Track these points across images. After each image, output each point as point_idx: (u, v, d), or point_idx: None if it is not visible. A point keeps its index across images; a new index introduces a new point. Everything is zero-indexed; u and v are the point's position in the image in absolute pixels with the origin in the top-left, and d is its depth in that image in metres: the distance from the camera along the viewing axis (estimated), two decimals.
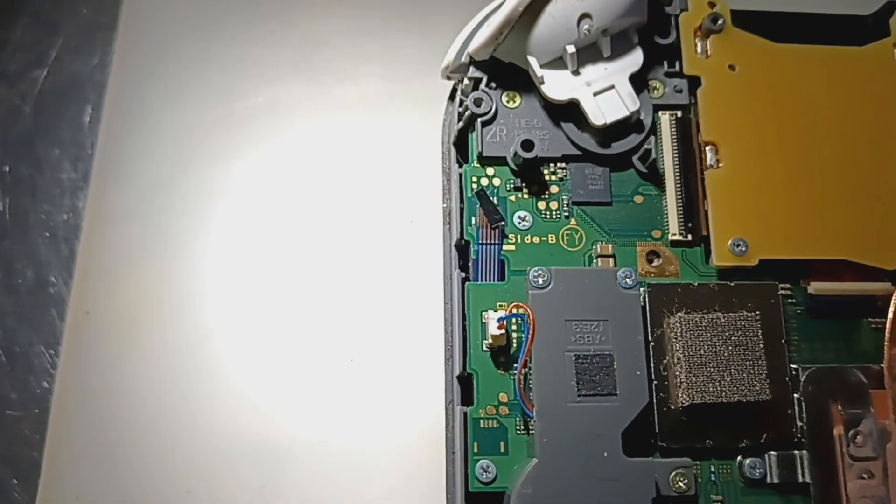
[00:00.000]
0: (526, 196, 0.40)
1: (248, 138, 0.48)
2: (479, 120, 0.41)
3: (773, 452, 0.37)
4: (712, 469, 0.37)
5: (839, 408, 0.38)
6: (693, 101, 0.41)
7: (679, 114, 0.42)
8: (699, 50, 0.42)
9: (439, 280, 0.41)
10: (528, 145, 0.39)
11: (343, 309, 0.45)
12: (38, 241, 0.48)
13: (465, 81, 0.41)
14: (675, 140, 0.41)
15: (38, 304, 0.47)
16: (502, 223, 0.39)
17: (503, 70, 0.41)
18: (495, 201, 0.40)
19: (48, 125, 0.50)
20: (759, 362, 0.37)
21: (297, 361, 0.44)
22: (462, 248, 0.40)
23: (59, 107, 0.50)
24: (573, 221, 0.40)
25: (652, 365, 0.37)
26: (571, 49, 0.39)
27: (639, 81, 0.41)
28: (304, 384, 0.44)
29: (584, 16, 0.39)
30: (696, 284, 0.39)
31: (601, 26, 0.39)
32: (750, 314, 0.38)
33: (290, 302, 0.45)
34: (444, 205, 0.41)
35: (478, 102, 0.40)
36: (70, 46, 0.52)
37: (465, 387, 0.38)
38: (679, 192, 0.40)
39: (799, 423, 0.38)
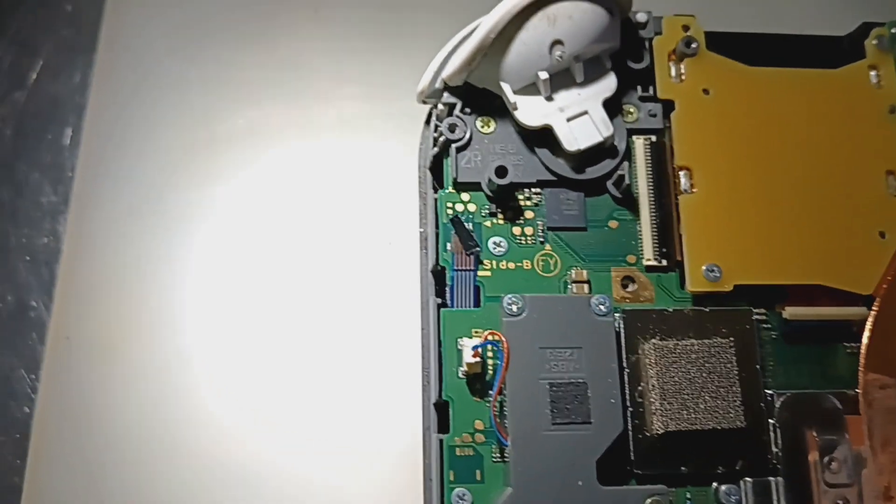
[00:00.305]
0: (501, 221, 0.40)
1: (229, 161, 0.48)
2: (454, 146, 0.41)
3: (748, 479, 0.37)
4: (688, 496, 0.37)
5: (814, 434, 0.38)
6: (667, 126, 0.41)
7: (653, 138, 0.42)
8: (673, 74, 0.42)
9: (417, 305, 0.41)
10: (501, 171, 0.39)
11: (322, 333, 0.45)
12: (18, 264, 0.48)
13: (440, 107, 0.41)
14: (649, 165, 0.41)
15: (18, 328, 0.47)
16: (477, 249, 0.39)
17: (477, 95, 0.41)
18: (470, 227, 0.40)
19: (28, 148, 0.50)
20: (734, 389, 0.37)
21: (276, 387, 0.44)
22: (438, 274, 0.40)
23: (40, 129, 0.50)
24: (548, 247, 0.40)
25: (627, 392, 0.37)
26: (544, 75, 0.39)
27: (613, 106, 0.41)
28: (283, 410, 0.44)
29: (557, 42, 0.39)
30: (670, 310, 0.39)
31: (573, 52, 0.39)
32: (724, 340, 0.38)
33: (268, 326, 0.45)
34: (422, 229, 0.41)
35: (452, 128, 0.40)
36: (50, 68, 0.52)
37: (441, 414, 0.38)
38: (653, 217, 0.40)
39: (774, 450, 0.38)
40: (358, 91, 0.49)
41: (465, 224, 0.39)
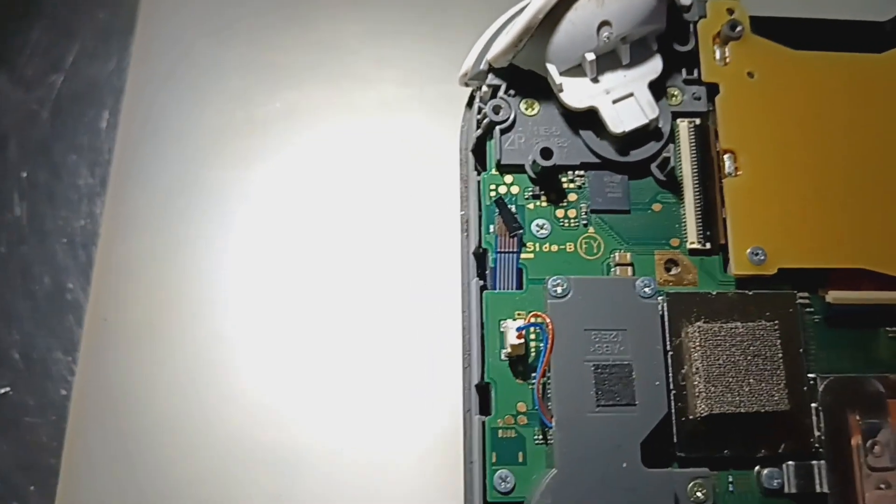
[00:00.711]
0: (544, 204, 0.40)
1: (267, 143, 0.48)
2: (498, 127, 0.40)
3: (790, 462, 0.37)
4: (730, 479, 0.37)
5: (857, 418, 0.38)
6: (711, 109, 0.41)
7: (698, 121, 0.41)
8: (718, 57, 0.42)
9: (457, 288, 0.41)
10: (546, 153, 0.39)
11: (361, 315, 0.45)
12: (55, 246, 0.48)
13: (484, 88, 0.41)
14: (693, 148, 0.41)
15: (55, 310, 0.47)
16: (520, 231, 0.39)
17: (522, 77, 0.41)
18: (513, 209, 0.40)
19: (65, 130, 0.50)
20: (778, 372, 0.37)
21: (314, 368, 0.44)
22: (480, 257, 0.40)
23: (77, 112, 0.50)
24: (591, 229, 0.40)
25: (671, 374, 0.37)
26: (591, 56, 0.39)
27: (657, 89, 0.41)
28: (321, 391, 0.44)
29: (604, 23, 0.38)
30: (714, 293, 0.38)
31: (620, 34, 0.39)
32: (768, 324, 0.38)
33: (307, 308, 0.45)
34: (462, 212, 0.41)
35: (496, 110, 0.40)
36: (87, 51, 0.52)
37: (483, 396, 0.38)
38: (697, 201, 0.40)
39: (817, 433, 0.38)
40: (398, 74, 0.49)
41: (509, 206, 0.39)
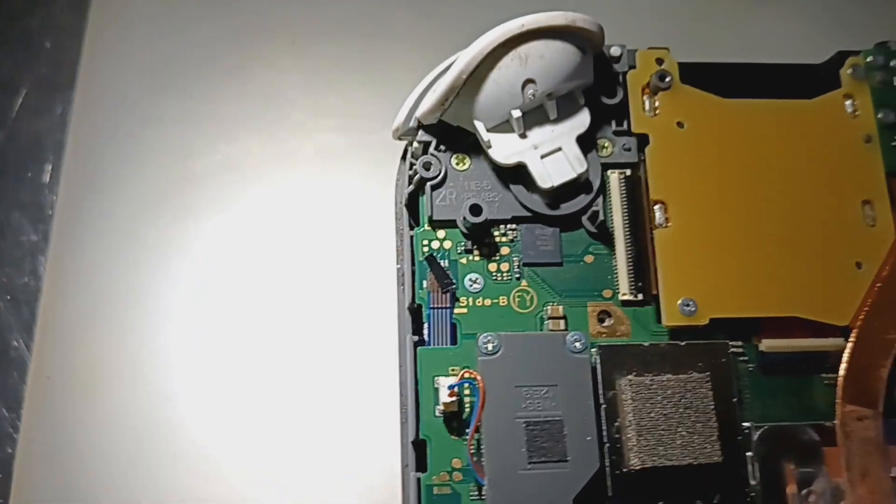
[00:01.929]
0: (477, 258, 0.40)
1: (206, 196, 0.48)
2: (429, 184, 0.41)
3: None
4: None
5: (792, 466, 0.38)
6: (642, 159, 0.41)
7: (628, 172, 0.42)
8: (647, 107, 0.42)
9: (395, 342, 0.41)
10: (476, 210, 0.39)
11: (303, 369, 0.45)
12: None
13: (415, 144, 0.41)
14: (624, 198, 0.41)
15: None
16: (453, 287, 0.39)
17: (452, 132, 0.41)
18: (446, 264, 0.40)
19: (8, 187, 0.50)
20: (710, 423, 0.37)
21: (258, 423, 0.44)
22: (415, 312, 0.40)
23: (19, 168, 0.50)
24: (524, 283, 0.40)
25: (604, 427, 0.37)
26: (517, 113, 0.39)
27: (587, 141, 0.41)
28: (264, 447, 0.44)
29: (529, 81, 0.39)
30: (646, 345, 0.39)
31: (546, 90, 0.39)
32: (699, 375, 0.38)
33: (249, 363, 0.45)
34: (398, 266, 0.42)
35: (427, 166, 0.41)
36: (29, 106, 0.52)
37: (419, 452, 0.38)
38: (629, 251, 0.40)
39: (752, 482, 0.38)
40: (335, 123, 0.50)
41: (441, 262, 0.39)
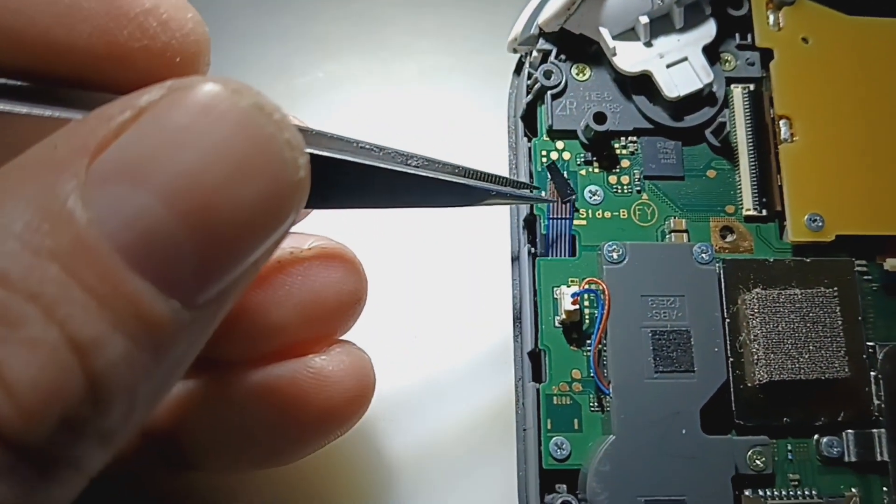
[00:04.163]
0: (597, 170, 0.40)
1: (309, 113, 0.47)
2: (549, 93, 0.40)
3: (850, 431, 0.37)
4: (789, 447, 0.37)
5: None
6: (766, 75, 0.41)
7: (751, 87, 0.41)
8: (771, 22, 0.41)
9: (503, 256, 0.40)
10: (600, 118, 0.39)
11: (408, 286, 0.44)
12: None
13: (534, 54, 0.40)
14: (747, 114, 0.40)
15: None
16: (573, 197, 0.38)
17: (572, 42, 0.40)
18: (566, 175, 0.39)
19: None
20: (837, 339, 0.37)
21: (362, 337, 0.43)
22: (531, 224, 0.39)
23: None
24: (645, 196, 0.39)
25: (727, 342, 0.37)
26: (645, 20, 0.38)
27: (711, 53, 0.40)
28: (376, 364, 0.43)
29: None
30: (771, 260, 0.38)
31: None
32: (827, 290, 0.37)
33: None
34: None
35: (548, 75, 0.40)
36: None
37: (535, 363, 0.38)
38: (752, 167, 0.40)
39: (876, 402, 0.37)
40: (436, 44, 0.49)
41: (562, 172, 0.39)
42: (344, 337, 0.36)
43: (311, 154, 0.23)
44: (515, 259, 0.40)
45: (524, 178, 0.40)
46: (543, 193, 0.38)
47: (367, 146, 0.29)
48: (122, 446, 0.22)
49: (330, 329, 0.34)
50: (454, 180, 0.32)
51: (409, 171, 0.30)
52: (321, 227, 0.43)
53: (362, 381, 0.34)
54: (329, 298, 0.33)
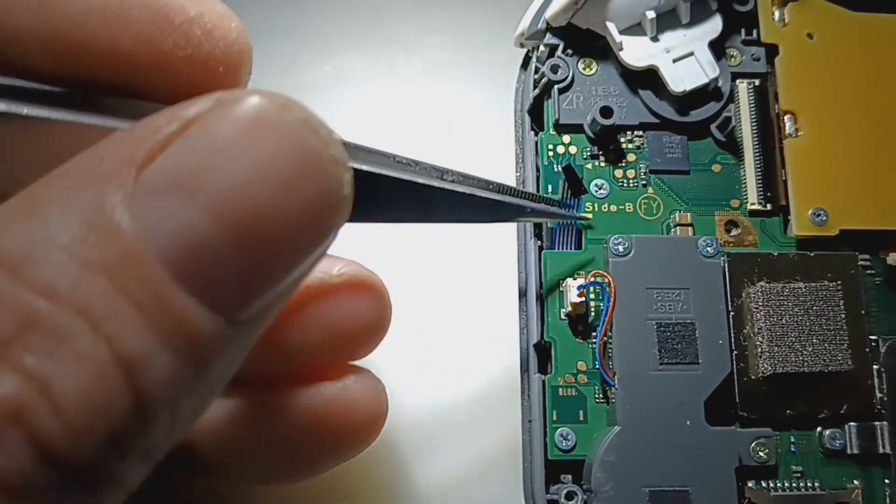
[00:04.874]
0: (603, 164, 0.40)
1: (316, 108, 0.48)
2: (556, 87, 0.40)
3: (852, 423, 0.37)
4: (792, 439, 0.37)
5: None
6: (771, 70, 0.41)
7: (757, 82, 0.41)
8: (777, 18, 0.41)
9: (508, 249, 0.41)
10: (607, 112, 0.39)
11: (414, 278, 0.44)
12: None
13: (541, 48, 0.41)
14: (752, 108, 0.41)
15: None
16: (583, 195, 0.39)
17: (579, 36, 0.41)
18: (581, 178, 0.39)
19: None
20: (841, 332, 0.37)
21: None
22: None
23: None
24: (651, 190, 0.40)
25: (732, 335, 0.37)
26: (651, 14, 0.39)
27: (717, 49, 0.40)
28: (375, 352, 0.43)
29: None
30: (775, 254, 0.38)
31: None
32: (831, 284, 0.37)
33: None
34: (518, 173, 0.41)
35: (555, 69, 0.40)
36: None
37: (540, 355, 0.38)
38: (757, 161, 0.40)
39: (879, 395, 0.37)
40: (442, 39, 0.49)
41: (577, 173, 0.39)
42: None
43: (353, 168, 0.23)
44: (521, 252, 0.40)
45: (530, 171, 0.40)
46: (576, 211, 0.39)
47: (404, 160, 0.29)
48: None
49: (349, 355, 0.35)
50: (490, 197, 0.32)
51: (445, 186, 0.30)
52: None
53: (375, 410, 0.34)
54: (352, 327, 0.33)
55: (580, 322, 0.38)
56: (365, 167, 0.27)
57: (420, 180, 0.29)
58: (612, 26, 0.39)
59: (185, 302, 0.20)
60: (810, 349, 0.37)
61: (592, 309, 0.38)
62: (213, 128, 0.21)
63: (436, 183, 0.29)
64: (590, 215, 0.38)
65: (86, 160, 0.21)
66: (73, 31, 0.25)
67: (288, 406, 0.33)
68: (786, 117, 0.40)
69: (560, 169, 0.39)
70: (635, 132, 0.40)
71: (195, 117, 0.21)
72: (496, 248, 0.43)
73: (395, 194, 0.28)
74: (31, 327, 0.19)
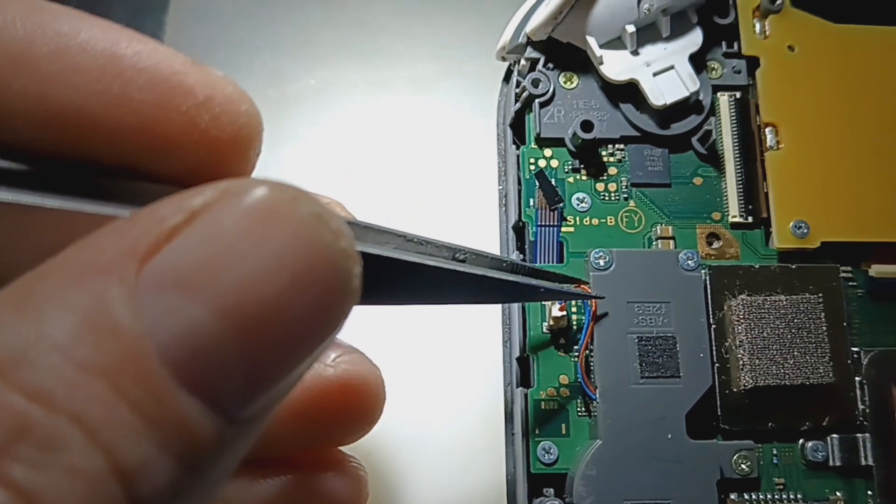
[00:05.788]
0: (584, 177, 0.40)
1: (301, 120, 0.48)
2: (537, 101, 0.40)
3: (835, 435, 0.37)
4: (774, 452, 0.37)
5: None
6: (752, 83, 0.41)
7: (738, 95, 0.41)
8: (758, 30, 0.41)
9: None
10: (587, 126, 0.39)
11: None
12: None
13: (522, 62, 0.41)
14: (733, 121, 0.41)
15: None
16: (561, 204, 0.39)
17: (560, 50, 0.41)
18: (553, 183, 0.39)
19: None
20: (822, 345, 0.37)
21: (353, 338, 0.43)
22: (519, 230, 0.40)
23: None
24: (632, 203, 0.40)
25: (713, 348, 0.37)
26: (631, 29, 0.39)
27: (697, 62, 0.40)
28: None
29: None
30: (757, 267, 0.38)
31: (661, 6, 0.39)
32: (812, 297, 0.37)
33: None
34: (500, 187, 0.41)
35: (535, 83, 0.40)
36: None
37: (523, 369, 0.38)
38: (739, 174, 0.40)
39: (861, 406, 0.37)
40: (428, 51, 0.49)
41: (550, 179, 0.39)
42: None
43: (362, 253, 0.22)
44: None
45: (512, 185, 0.40)
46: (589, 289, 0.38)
47: (416, 239, 0.28)
48: None
49: (336, 443, 0.34)
50: (506, 278, 0.31)
51: (458, 268, 0.29)
52: None
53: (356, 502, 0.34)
54: (342, 422, 0.33)
55: (562, 335, 0.38)
56: (374, 250, 0.26)
57: (431, 262, 0.28)
58: (592, 40, 0.39)
59: (187, 404, 0.19)
60: (792, 362, 0.37)
61: (574, 322, 0.38)
62: (220, 220, 0.20)
63: (448, 265, 0.29)
64: (603, 296, 0.37)
65: (84, 250, 0.20)
66: (73, 114, 0.24)
67: (267, 496, 0.32)
68: (767, 130, 0.40)
69: (533, 176, 0.39)
70: (616, 145, 0.40)
71: (201, 208, 0.20)
72: None
73: (407, 277, 0.27)
74: (22, 436, 0.18)
